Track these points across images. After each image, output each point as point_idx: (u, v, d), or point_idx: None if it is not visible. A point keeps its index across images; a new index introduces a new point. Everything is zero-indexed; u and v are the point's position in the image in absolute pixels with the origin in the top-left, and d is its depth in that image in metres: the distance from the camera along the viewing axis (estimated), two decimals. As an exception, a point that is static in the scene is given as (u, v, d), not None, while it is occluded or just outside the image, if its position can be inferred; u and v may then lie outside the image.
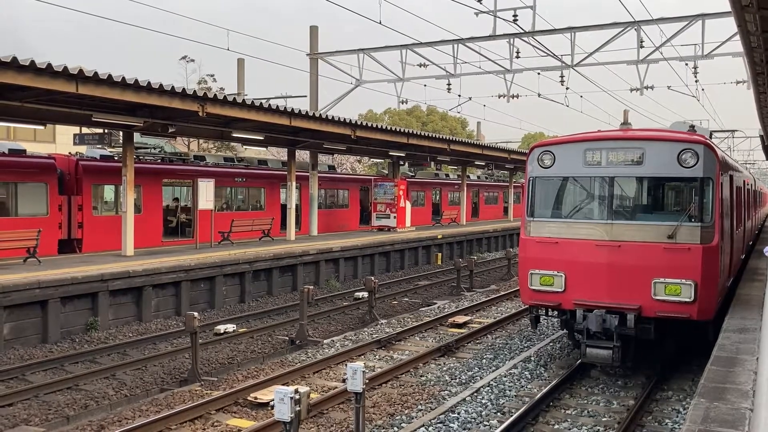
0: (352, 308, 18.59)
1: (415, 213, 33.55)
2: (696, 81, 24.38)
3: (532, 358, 12.23)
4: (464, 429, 8.71)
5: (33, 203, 18.74)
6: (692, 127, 12.79)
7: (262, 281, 19.79)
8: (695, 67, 23.32)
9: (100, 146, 21.47)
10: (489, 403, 9.69)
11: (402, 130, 26.10)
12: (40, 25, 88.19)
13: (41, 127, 18.67)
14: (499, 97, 27.46)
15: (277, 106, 19.29)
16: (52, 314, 13.93)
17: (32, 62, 12.37)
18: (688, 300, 9.71)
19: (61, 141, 35.50)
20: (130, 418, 9.37)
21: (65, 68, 12.91)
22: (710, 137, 13.24)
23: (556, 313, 11.10)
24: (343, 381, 9.63)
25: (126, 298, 15.73)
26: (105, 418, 9.45)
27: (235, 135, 21.44)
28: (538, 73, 25.80)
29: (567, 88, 26.21)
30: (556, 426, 8.91)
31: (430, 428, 8.67)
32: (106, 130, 18.95)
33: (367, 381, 8.01)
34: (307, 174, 26.93)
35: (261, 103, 18.41)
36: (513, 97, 26.89)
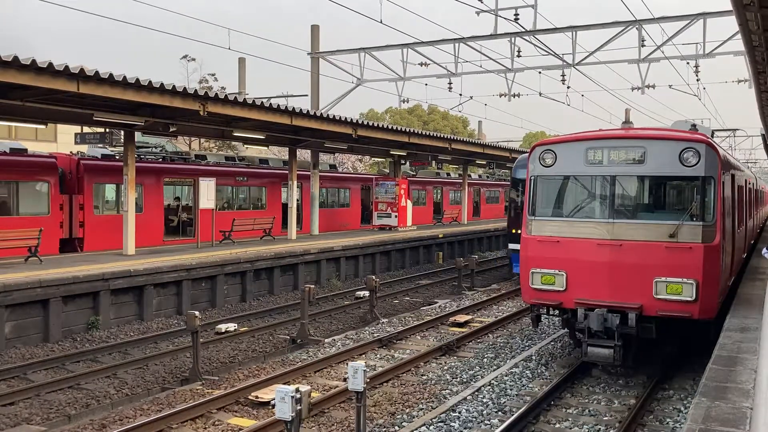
0: (354, 307, 18.60)
1: (416, 212, 33.54)
2: (697, 80, 24.32)
3: (534, 357, 12.23)
4: (465, 428, 8.71)
5: (34, 202, 18.76)
6: (694, 126, 12.78)
7: (263, 280, 19.80)
8: (696, 66, 23.28)
9: (101, 145, 21.49)
10: (490, 402, 9.69)
11: (403, 129, 26.09)
12: (42, 26, 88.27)
13: (42, 127, 18.67)
14: (501, 96, 27.42)
15: (278, 105, 19.29)
16: (53, 313, 13.94)
17: (33, 61, 12.38)
18: (689, 299, 9.70)
19: (62, 140, 35.51)
20: (132, 417, 9.38)
21: (66, 67, 12.92)
22: (712, 136, 13.23)
23: (557, 312, 11.10)
24: (344, 380, 9.64)
25: (127, 297, 15.74)
26: (106, 417, 9.46)
27: (236, 134, 21.43)
28: (540, 72, 25.76)
29: (568, 87, 26.19)
30: (558, 425, 8.91)
31: (431, 427, 8.68)
32: (107, 130, 18.96)
33: (368, 380, 8.01)
34: (309, 173, 26.94)
35: (262, 102, 18.41)
36: (514, 96, 26.86)
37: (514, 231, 20.19)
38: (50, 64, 12.65)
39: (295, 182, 24.90)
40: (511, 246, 20.68)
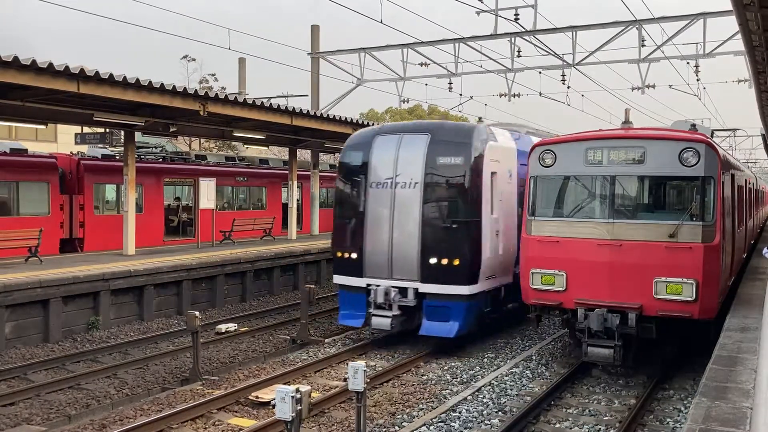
0: (354, 307, 18.55)
1: (416, 212, 33.42)
2: (697, 80, 24.30)
3: (534, 357, 12.23)
4: (465, 428, 8.71)
5: (35, 202, 18.76)
6: (693, 125, 12.78)
7: (263, 280, 19.80)
8: (696, 66, 23.26)
9: (101, 145, 21.51)
10: (490, 402, 9.69)
11: (403, 129, 26.04)
12: (42, 26, 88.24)
13: (43, 127, 18.70)
14: (501, 96, 27.38)
15: (279, 105, 19.30)
16: (53, 313, 13.94)
17: (33, 61, 12.38)
18: (689, 299, 9.71)
19: (62, 140, 35.52)
20: (132, 417, 9.38)
21: (66, 68, 12.92)
22: (711, 136, 13.22)
23: (557, 312, 11.10)
24: (345, 380, 9.62)
25: (127, 298, 15.74)
26: (106, 417, 9.46)
27: (236, 134, 21.44)
28: (540, 72, 25.74)
29: (568, 87, 26.17)
30: (558, 425, 8.91)
31: (432, 427, 8.67)
32: (107, 130, 18.97)
33: (368, 380, 8.01)
34: (309, 173, 26.94)
35: (262, 102, 18.41)
36: (514, 96, 26.83)
37: (341, 254, 13.06)
38: (50, 65, 12.65)
39: (295, 182, 24.91)
40: (338, 280, 13.27)
